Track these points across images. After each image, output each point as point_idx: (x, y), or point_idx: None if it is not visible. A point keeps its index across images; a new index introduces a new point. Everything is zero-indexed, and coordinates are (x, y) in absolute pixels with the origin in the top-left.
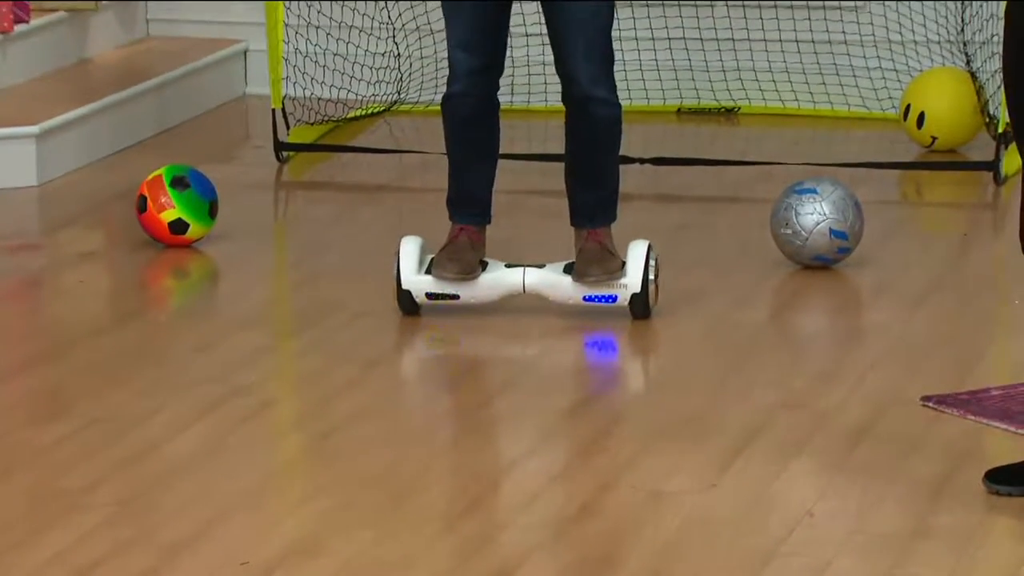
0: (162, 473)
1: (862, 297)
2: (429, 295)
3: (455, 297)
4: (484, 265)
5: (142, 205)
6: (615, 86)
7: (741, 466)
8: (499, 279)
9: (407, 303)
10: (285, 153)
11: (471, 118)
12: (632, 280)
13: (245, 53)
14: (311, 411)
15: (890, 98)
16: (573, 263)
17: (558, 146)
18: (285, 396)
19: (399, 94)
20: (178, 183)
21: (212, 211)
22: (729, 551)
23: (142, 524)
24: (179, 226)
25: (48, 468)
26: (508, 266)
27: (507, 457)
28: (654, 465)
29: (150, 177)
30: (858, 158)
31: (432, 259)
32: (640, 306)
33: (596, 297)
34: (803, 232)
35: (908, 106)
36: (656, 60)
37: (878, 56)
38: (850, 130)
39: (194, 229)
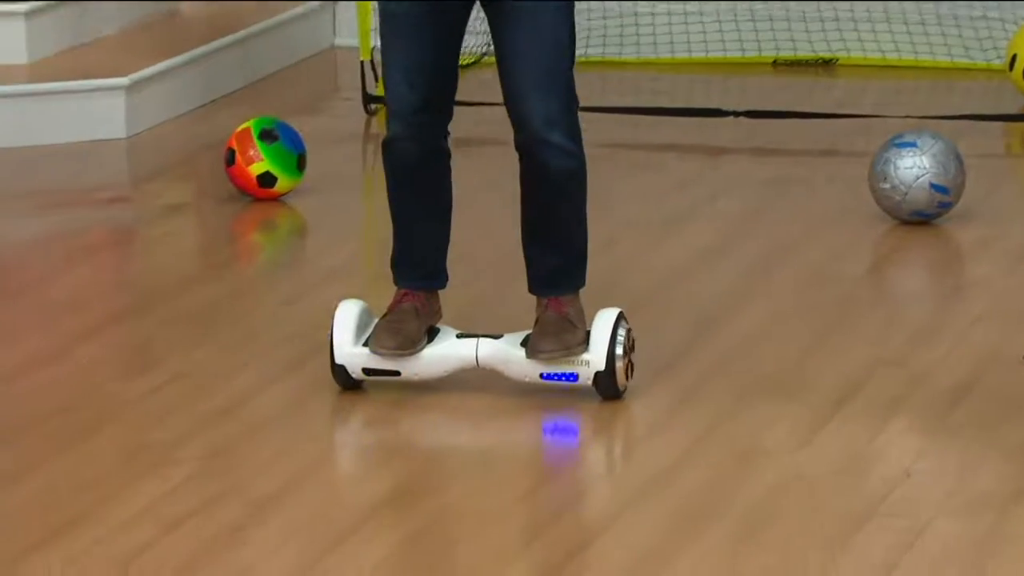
0: (249, 428)
1: (963, 253)
2: (366, 371)
3: (395, 374)
4: (433, 334)
5: (230, 158)
6: (579, 132)
7: (837, 424)
8: (447, 352)
9: (343, 378)
10: (373, 105)
11: (416, 167)
12: (595, 356)
13: (334, 4)
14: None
15: (995, 48)
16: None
17: (649, 99)
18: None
19: (488, 46)
20: (266, 136)
21: (300, 164)
22: (824, 511)
23: (229, 478)
24: (267, 179)
25: (137, 422)
26: (460, 336)
27: (595, 425)
28: (748, 422)
29: (238, 130)
30: (960, 110)
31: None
32: (606, 386)
33: (554, 375)
34: (902, 187)
35: (1014, 56)
36: (751, 10)
37: (983, 4)
38: (953, 81)
39: (282, 182)
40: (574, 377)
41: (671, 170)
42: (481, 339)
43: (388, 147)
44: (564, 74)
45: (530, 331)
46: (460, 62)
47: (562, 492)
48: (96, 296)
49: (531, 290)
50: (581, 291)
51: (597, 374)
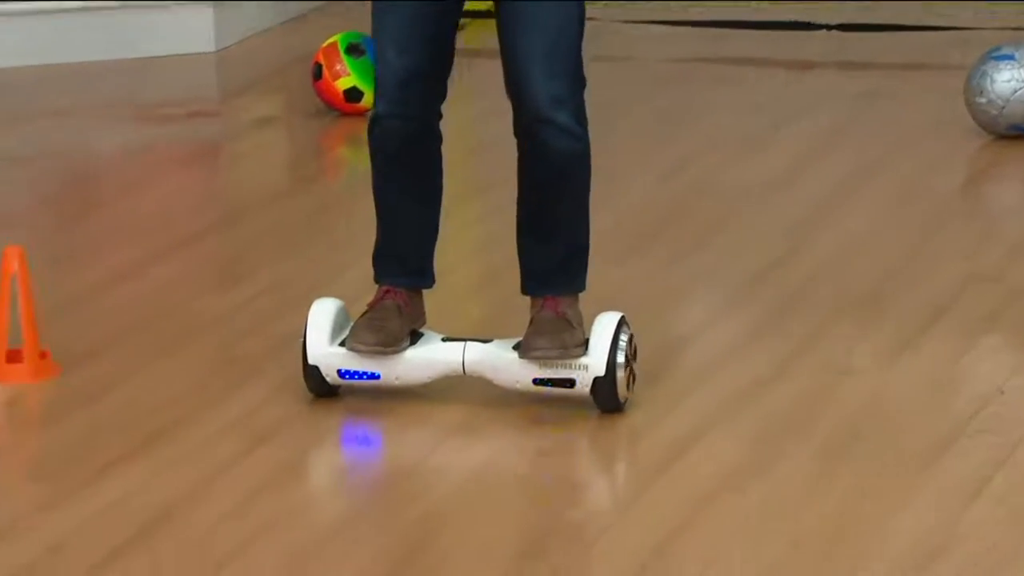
0: None
1: None
2: (342, 373)
3: (374, 376)
4: (416, 338)
5: (317, 72)
6: (585, 115)
7: (929, 341)
8: (432, 356)
9: (316, 383)
10: (462, 20)
11: (404, 149)
12: (595, 360)
13: None
14: (490, 278)
15: None
16: None
17: (730, 11)
18: (462, 264)
19: None
20: (353, 50)
21: None
22: (914, 429)
23: None
24: (354, 94)
25: (226, 335)
26: (445, 340)
27: (684, 329)
28: (837, 339)
29: (325, 44)
30: None
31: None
32: (605, 394)
33: (549, 381)
34: (999, 101)
35: None
36: None
37: None
38: None
39: (368, 97)
40: (571, 383)
41: (755, 85)
42: (468, 343)
43: (373, 126)
44: (573, 50)
45: (489, 339)
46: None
47: (649, 405)
48: (184, 210)
49: (524, 290)
50: (581, 295)
51: (596, 380)
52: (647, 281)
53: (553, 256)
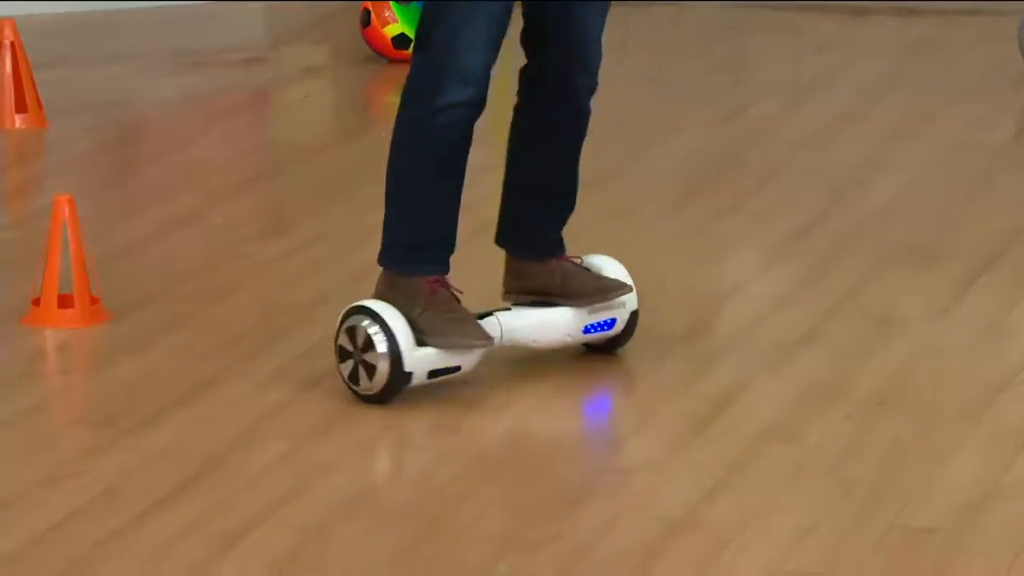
0: None
1: None
2: (433, 373)
3: (456, 370)
4: None
5: (366, 19)
6: None
7: (977, 292)
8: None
9: (397, 387)
10: None
11: (468, 136)
12: (630, 296)
13: None
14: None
15: None
16: (540, 300)
17: None
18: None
19: None
20: None
21: None
22: (960, 380)
23: None
24: (402, 40)
25: (275, 282)
26: (479, 317)
27: (733, 279)
28: (884, 290)
29: None
30: None
31: (419, 328)
32: (631, 329)
33: (597, 325)
34: None
35: None
36: None
37: None
38: None
39: None
40: (612, 323)
41: (809, 32)
42: (497, 313)
43: (443, 114)
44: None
45: (522, 303)
46: None
47: (692, 357)
48: (234, 157)
49: (537, 254)
50: None
51: (632, 314)
52: (699, 231)
53: (568, 216)
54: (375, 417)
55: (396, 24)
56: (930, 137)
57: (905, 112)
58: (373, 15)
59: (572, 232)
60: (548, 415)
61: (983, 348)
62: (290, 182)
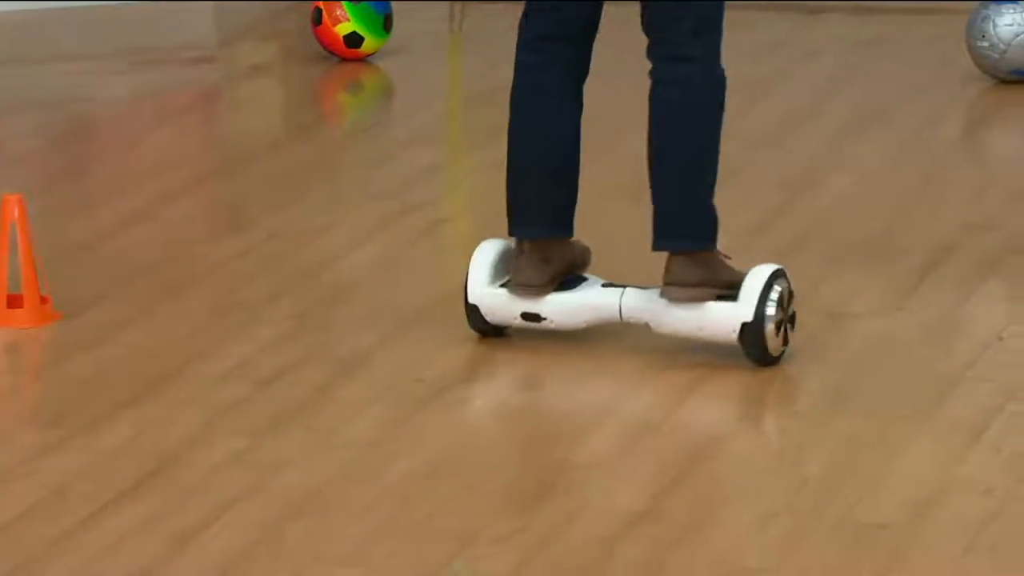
0: (338, 288)
1: None
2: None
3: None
4: (578, 282)
5: (317, 18)
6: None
7: (929, 288)
8: (589, 300)
9: (477, 321)
10: None
11: None
12: (744, 306)
13: None
14: (485, 228)
15: None
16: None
17: None
18: (460, 213)
19: None
20: None
21: (387, 24)
22: (914, 374)
23: (318, 338)
24: (354, 39)
25: (227, 281)
26: (606, 285)
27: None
28: (837, 287)
29: None
30: None
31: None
32: (753, 341)
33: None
34: (1001, 44)
35: None
36: None
37: None
38: None
39: (369, 42)
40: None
41: (763, 30)
42: (628, 288)
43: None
44: None
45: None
46: None
47: (651, 351)
48: (184, 156)
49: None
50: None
51: (744, 325)
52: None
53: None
54: (330, 414)
55: (348, 23)
56: (883, 134)
57: (858, 109)
58: (324, 13)
59: None
60: (507, 410)
61: (935, 343)
62: (242, 180)
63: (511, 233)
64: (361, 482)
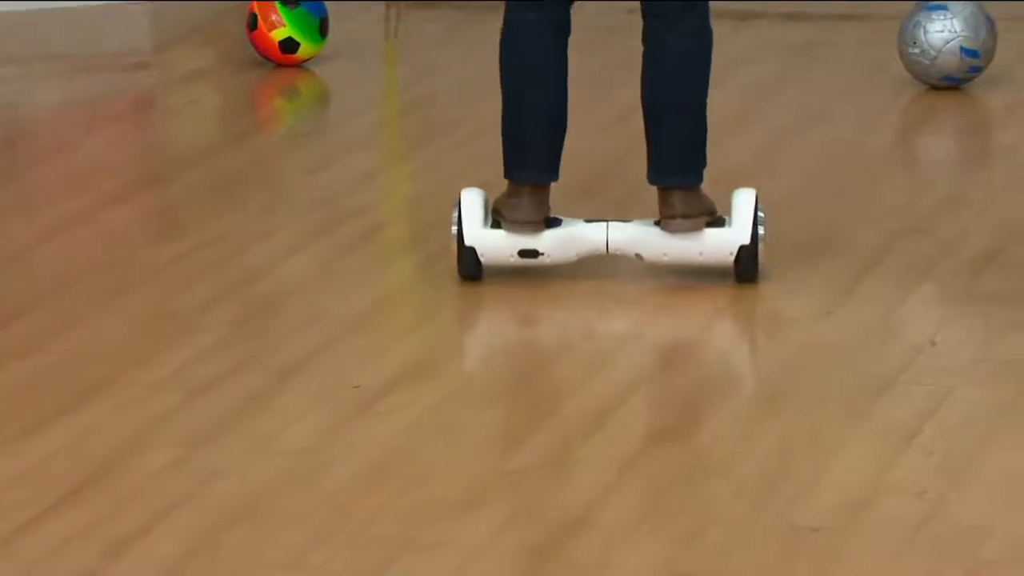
0: (275, 295)
1: (992, 118)
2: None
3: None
4: (558, 222)
5: (252, 23)
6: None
7: (861, 293)
8: (578, 234)
9: (469, 265)
10: None
11: None
12: (739, 229)
13: None
14: (423, 234)
15: None
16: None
17: None
18: (397, 219)
19: None
20: (289, 0)
21: (323, 29)
22: (848, 378)
23: (254, 346)
24: (289, 45)
25: (163, 288)
26: (588, 221)
27: (622, 281)
28: (771, 291)
29: None
30: None
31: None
32: (748, 262)
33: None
34: (932, 51)
35: None
36: None
37: None
38: None
39: (305, 48)
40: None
41: None
42: (611, 222)
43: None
44: None
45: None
46: None
47: (584, 357)
48: (120, 163)
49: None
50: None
51: (741, 248)
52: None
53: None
54: (266, 421)
55: (283, 28)
56: (816, 139)
57: (791, 115)
58: (260, 19)
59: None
60: (442, 416)
61: (869, 346)
62: (179, 186)
63: (509, 177)
64: (298, 490)
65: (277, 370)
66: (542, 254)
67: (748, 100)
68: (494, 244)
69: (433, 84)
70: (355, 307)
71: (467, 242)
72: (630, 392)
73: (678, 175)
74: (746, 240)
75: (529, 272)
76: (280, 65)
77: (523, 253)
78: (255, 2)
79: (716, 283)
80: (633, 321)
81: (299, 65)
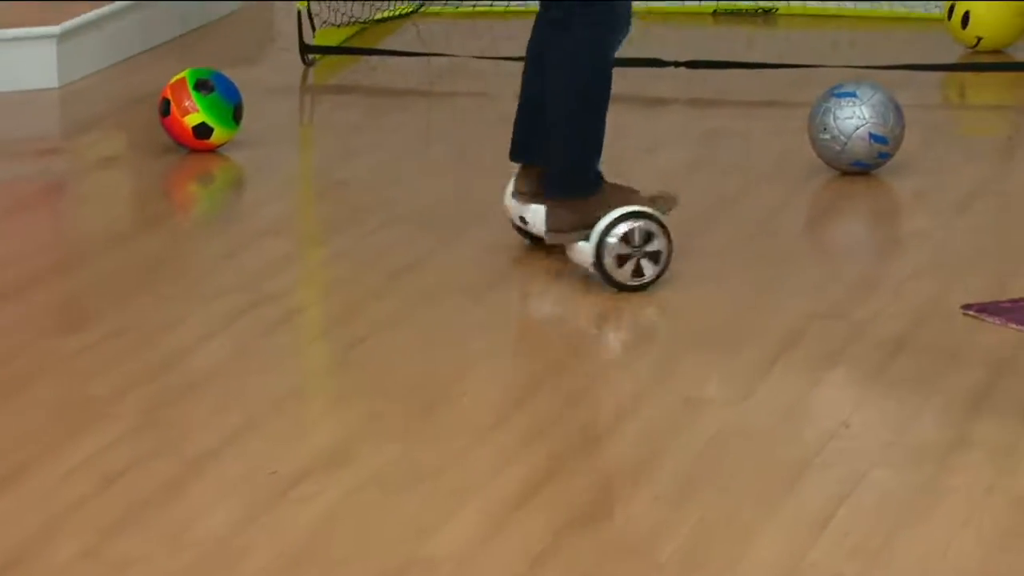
0: (188, 382)
1: (902, 204)
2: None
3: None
4: None
5: (165, 109)
6: None
7: (776, 376)
8: None
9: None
10: (311, 56)
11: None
12: (590, 244)
13: None
14: (338, 320)
15: None
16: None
17: None
18: (312, 304)
19: None
20: (202, 86)
21: (237, 115)
22: (763, 461)
23: (168, 433)
24: (203, 130)
25: (73, 376)
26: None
27: (538, 367)
28: (687, 375)
29: (173, 80)
30: (899, 60)
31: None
32: (601, 274)
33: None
34: (842, 137)
35: (952, 6)
36: None
37: None
38: (892, 31)
39: (218, 133)
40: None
41: (608, 121)
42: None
43: (613, 47)
44: None
45: None
46: (398, 11)
47: (501, 447)
48: (29, 250)
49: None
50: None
51: (592, 263)
52: (505, 321)
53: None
54: (180, 509)
55: (197, 113)
56: (729, 223)
57: (703, 199)
58: (172, 104)
59: (377, 319)
60: (360, 502)
61: (784, 430)
62: (88, 275)
63: (514, 159)
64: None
65: (191, 457)
66: (528, 223)
67: (658, 187)
68: (510, 206)
69: (347, 169)
70: (271, 392)
71: (505, 202)
72: (551, 475)
73: (548, 187)
74: (592, 257)
75: (447, 360)
76: (193, 150)
77: (521, 220)
78: (168, 88)
79: (635, 366)
80: (563, 398)
81: (213, 150)
